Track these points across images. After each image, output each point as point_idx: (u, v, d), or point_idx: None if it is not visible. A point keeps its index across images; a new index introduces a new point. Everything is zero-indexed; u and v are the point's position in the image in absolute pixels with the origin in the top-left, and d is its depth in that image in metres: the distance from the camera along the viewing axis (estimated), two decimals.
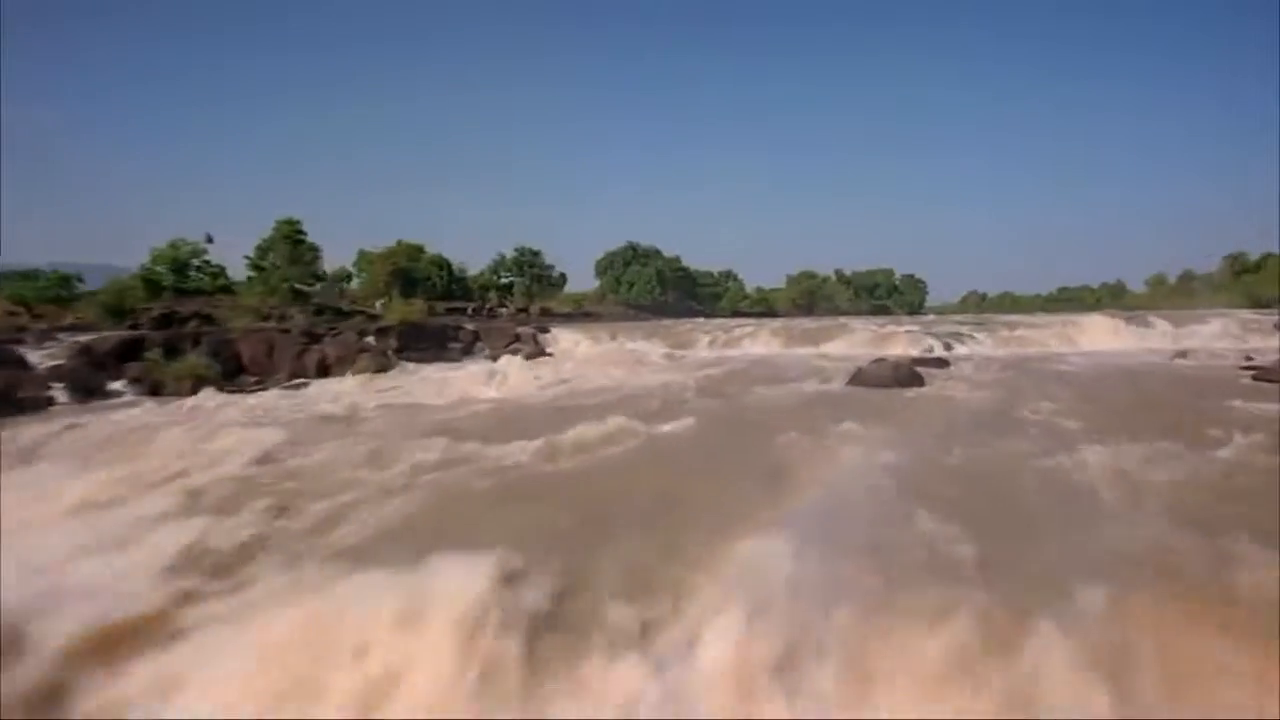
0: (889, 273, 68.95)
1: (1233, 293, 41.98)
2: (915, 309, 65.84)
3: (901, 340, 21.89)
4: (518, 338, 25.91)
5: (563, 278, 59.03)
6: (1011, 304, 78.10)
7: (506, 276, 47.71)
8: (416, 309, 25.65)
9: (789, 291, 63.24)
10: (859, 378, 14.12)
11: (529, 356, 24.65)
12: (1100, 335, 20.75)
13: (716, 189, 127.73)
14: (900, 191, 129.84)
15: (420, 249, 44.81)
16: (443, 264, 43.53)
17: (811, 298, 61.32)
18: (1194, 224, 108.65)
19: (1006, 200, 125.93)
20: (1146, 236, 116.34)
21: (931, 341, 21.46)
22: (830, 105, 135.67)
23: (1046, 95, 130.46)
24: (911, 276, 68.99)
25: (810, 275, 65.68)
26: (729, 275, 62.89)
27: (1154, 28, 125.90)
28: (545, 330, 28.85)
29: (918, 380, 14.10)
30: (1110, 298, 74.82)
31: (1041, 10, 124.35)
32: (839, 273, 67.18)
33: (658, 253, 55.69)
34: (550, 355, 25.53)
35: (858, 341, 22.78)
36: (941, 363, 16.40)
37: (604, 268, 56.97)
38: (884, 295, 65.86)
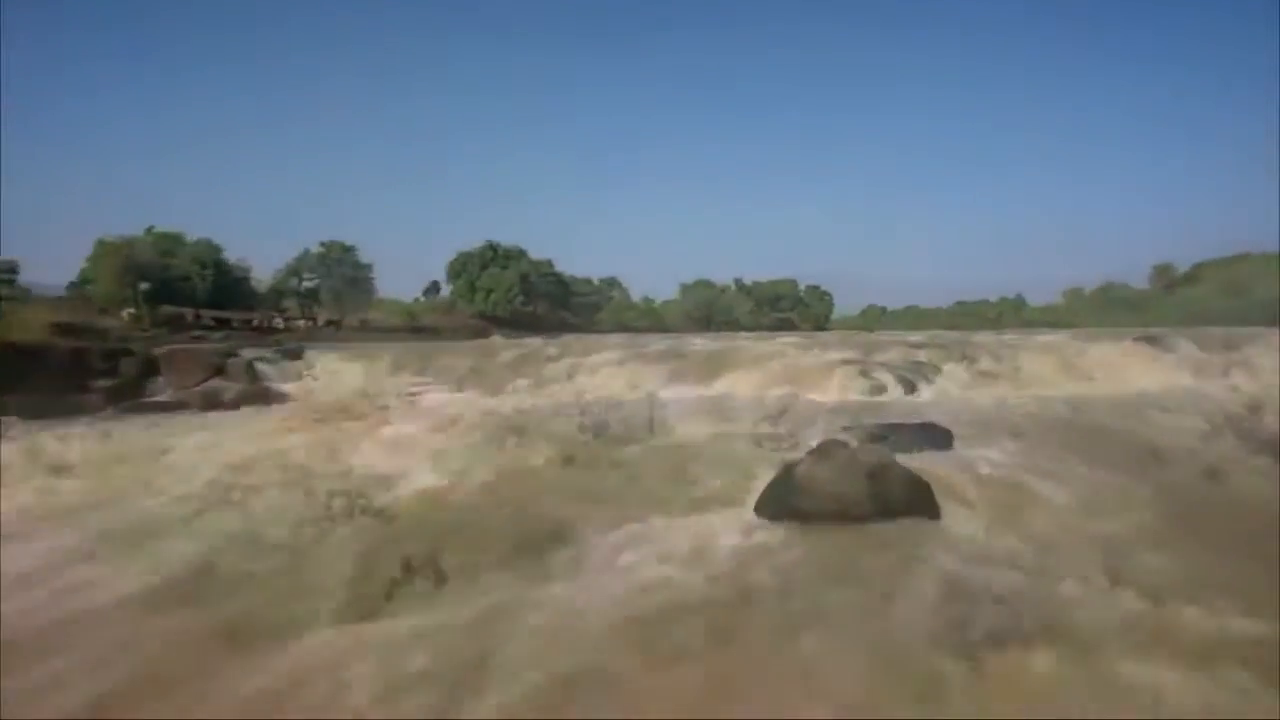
0: (792, 283, 63.88)
1: (1166, 307, 39.05)
2: (821, 323, 61.01)
3: (835, 375, 14.41)
4: (220, 370, 16.20)
5: (435, 285, 49.17)
6: (916, 318, 75.79)
7: (310, 278, 36.98)
8: (36, 323, 15.39)
9: (682, 303, 56.34)
10: (792, 497, 6.22)
11: (238, 402, 15.34)
12: (1126, 367, 14.23)
13: (603, 188, 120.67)
14: (804, 196, 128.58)
15: (178, 238, 33.42)
16: (208, 261, 32.39)
17: (708, 310, 54.64)
18: (1105, 234, 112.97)
19: (908, 209, 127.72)
20: (1048, 248, 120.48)
21: (883, 377, 14.11)
22: (731, 103, 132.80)
23: (958, 102, 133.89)
24: (816, 288, 64.32)
25: (707, 285, 59.24)
26: (612, 283, 55.10)
27: (1086, 31, 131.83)
28: (298, 355, 19.27)
29: (920, 499, 6.30)
30: (1011, 312, 74.12)
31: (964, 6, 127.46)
32: (739, 282, 61.21)
33: (523, 254, 46.84)
34: (286, 398, 16.24)
35: (771, 376, 15.14)
36: (935, 435, 8.71)
37: (457, 271, 47.36)
38: (788, 308, 60.52)
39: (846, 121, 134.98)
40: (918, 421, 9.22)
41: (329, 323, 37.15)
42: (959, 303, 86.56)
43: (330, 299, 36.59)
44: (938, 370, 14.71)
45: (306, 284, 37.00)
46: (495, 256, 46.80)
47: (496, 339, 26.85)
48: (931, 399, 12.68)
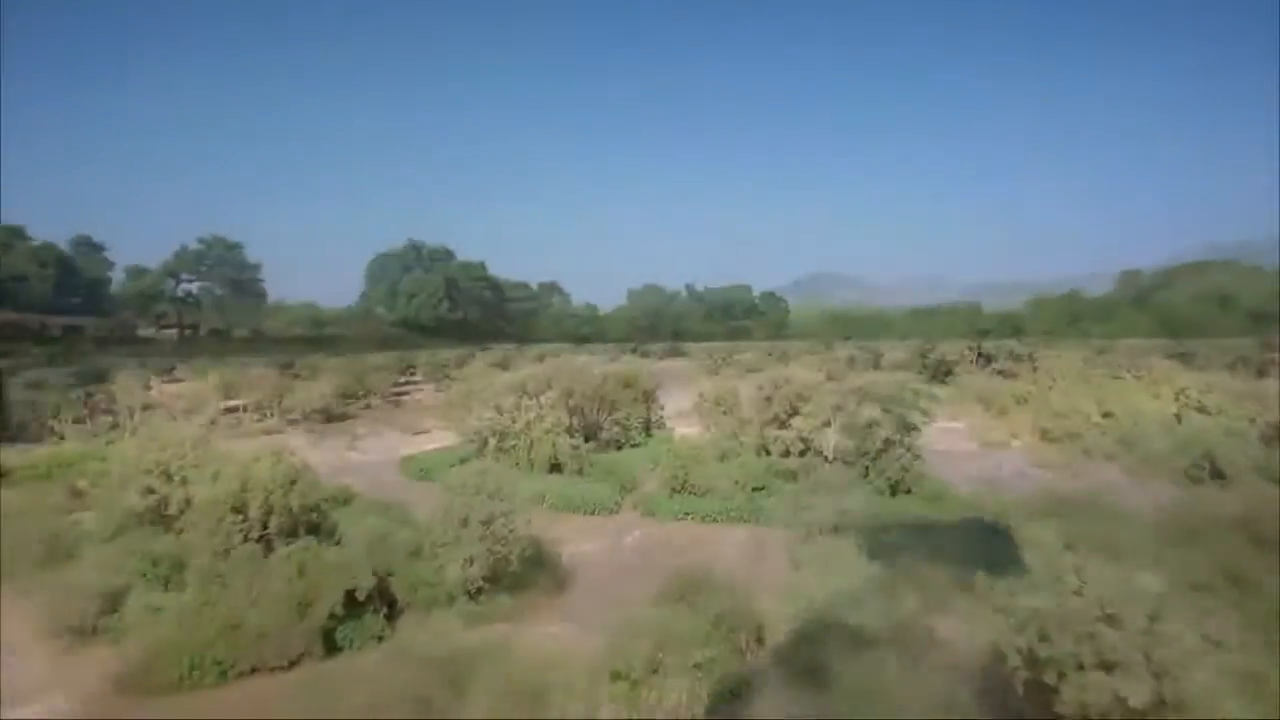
0: (746, 289, 60.90)
1: (1139, 315, 37.22)
2: (777, 332, 58.20)
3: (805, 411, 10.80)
4: None
5: (412, 299, 44.30)
6: (874, 324, 74.28)
7: (189, 280, 31.77)
8: None
9: (629, 310, 52.66)
10: None
11: None
12: (1162, 385, 11.04)
13: (544, 187, 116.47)
14: (758, 200, 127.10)
15: (17, 232, 27.92)
16: (48, 259, 27.04)
17: (656, 318, 51.08)
18: (1061, 240, 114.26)
19: (863, 213, 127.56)
20: (1003, 253, 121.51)
21: (869, 416, 10.58)
22: (680, 103, 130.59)
23: (913, 107, 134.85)
24: (772, 294, 61.56)
25: (656, 290, 55.75)
26: (552, 288, 50.96)
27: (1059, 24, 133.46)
28: (101, 378, 14.74)
29: None
30: (968, 319, 73.30)
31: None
32: (690, 289, 57.92)
33: (449, 255, 42.40)
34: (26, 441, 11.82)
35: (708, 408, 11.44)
36: (985, 541, 5.16)
37: (376, 274, 42.55)
38: (742, 315, 57.45)
39: (799, 125, 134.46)
40: (954, 520, 5.73)
41: (213, 332, 32.01)
42: (916, 308, 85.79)
43: (212, 305, 31.46)
44: (942, 381, 11.35)
45: (185, 286, 31.76)
46: (418, 258, 42.21)
47: (373, 360, 22.51)
48: (951, 442, 9.29)
